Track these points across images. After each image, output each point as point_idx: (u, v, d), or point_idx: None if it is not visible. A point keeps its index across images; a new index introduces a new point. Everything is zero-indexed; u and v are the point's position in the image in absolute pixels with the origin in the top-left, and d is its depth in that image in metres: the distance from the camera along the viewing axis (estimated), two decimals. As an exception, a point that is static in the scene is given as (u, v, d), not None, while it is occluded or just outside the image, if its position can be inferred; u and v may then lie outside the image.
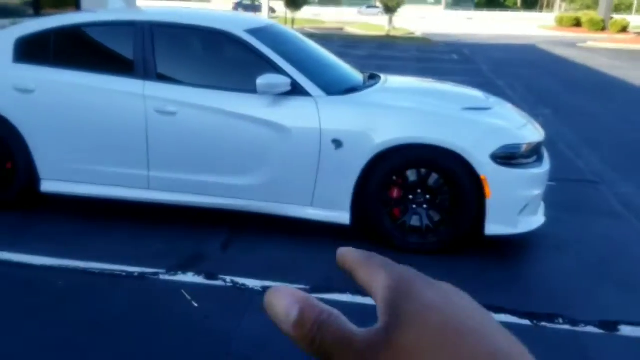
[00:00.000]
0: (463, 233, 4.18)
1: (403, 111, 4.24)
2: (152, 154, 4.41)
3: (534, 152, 4.19)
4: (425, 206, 4.21)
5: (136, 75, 4.44)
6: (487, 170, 4.00)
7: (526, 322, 3.39)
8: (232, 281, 3.74)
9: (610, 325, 3.38)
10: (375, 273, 0.39)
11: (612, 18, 39.62)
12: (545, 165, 4.25)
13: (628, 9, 69.99)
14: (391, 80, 5.14)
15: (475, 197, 4.06)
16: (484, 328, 0.34)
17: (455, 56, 20.21)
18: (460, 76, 12.63)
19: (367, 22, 40.98)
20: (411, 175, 4.18)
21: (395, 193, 4.23)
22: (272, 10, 30.67)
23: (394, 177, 4.19)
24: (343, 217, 4.25)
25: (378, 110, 4.22)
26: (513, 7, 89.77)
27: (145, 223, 4.61)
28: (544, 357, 2.23)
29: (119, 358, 2.98)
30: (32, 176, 4.64)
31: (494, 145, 4.01)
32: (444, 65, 16.85)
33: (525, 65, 17.51)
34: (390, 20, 31.52)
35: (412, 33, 32.09)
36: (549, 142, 4.50)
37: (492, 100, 5.01)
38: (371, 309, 0.38)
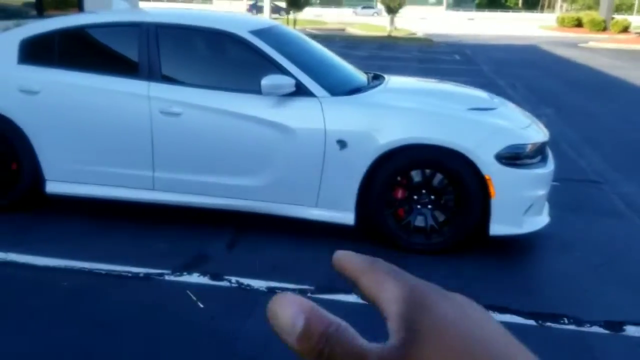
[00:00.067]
0: (468, 233, 4.18)
1: (407, 112, 4.25)
2: (157, 155, 4.42)
3: (538, 152, 4.19)
4: (429, 206, 4.22)
5: (141, 76, 4.45)
6: (492, 170, 4.00)
7: (531, 322, 3.40)
8: (237, 282, 3.74)
9: (616, 326, 3.38)
10: (382, 282, 0.36)
11: (613, 18, 39.63)
12: (550, 166, 4.26)
13: (629, 9, 69.99)
14: (395, 81, 5.15)
15: (480, 197, 4.06)
16: (499, 343, 0.33)
17: (456, 57, 20.22)
18: (462, 76, 12.63)
19: (369, 23, 40.99)
20: (416, 175, 4.18)
21: (399, 193, 4.23)
22: (286, 11, 30.57)
23: (399, 178, 4.19)
24: (347, 217, 4.26)
25: (382, 111, 4.22)
26: (514, 8, 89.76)
27: (150, 224, 4.62)
28: (549, 357, 2.23)
29: (125, 359, 2.99)
30: (37, 177, 4.65)
31: (499, 146, 4.02)
32: (445, 66, 16.86)
33: (526, 66, 17.51)
34: (392, 21, 31.53)
35: (414, 34, 32.09)
36: (551, 142, 4.50)
37: (497, 100, 5.01)
38: (378, 313, 0.36)
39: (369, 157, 4.11)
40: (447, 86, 5.51)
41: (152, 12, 5.02)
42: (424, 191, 4.20)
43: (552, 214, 4.41)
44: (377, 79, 5.10)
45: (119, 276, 3.79)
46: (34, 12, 9.77)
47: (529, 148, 4.12)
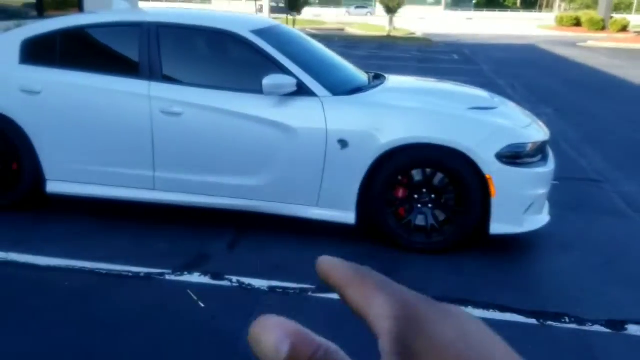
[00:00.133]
0: (468, 232, 4.19)
1: (408, 111, 4.25)
2: (158, 155, 4.42)
3: (539, 151, 4.20)
4: (430, 206, 4.22)
5: (142, 76, 4.45)
6: (493, 169, 4.01)
7: (532, 321, 3.40)
8: (238, 281, 3.75)
9: (617, 324, 3.38)
10: (371, 295, 0.33)
11: (612, 17, 39.63)
12: (550, 165, 4.26)
13: (628, 8, 70.03)
14: (396, 80, 5.15)
15: (481, 196, 4.07)
16: None
17: (455, 56, 20.23)
18: (461, 76, 12.63)
19: (368, 23, 41.00)
20: (416, 174, 4.19)
21: (400, 193, 4.24)
22: (297, 11, 30.48)
23: (400, 177, 4.19)
24: (349, 217, 4.26)
25: (383, 110, 4.23)
26: (512, 7, 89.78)
27: (151, 224, 4.62)
28: (550, 356, 2.24)
29: (126, 358, 2.99)
30: (38, 177, 4.65)
31: (500, 145, 4.02)
32: (445, 66, 16.86)
33: (525, 65, 17.52)
34: (391, 21, 31.54)
35: (413, 33, 32.10)
36: (551, 141, 4.51)
37: (497, 99, 5.02)
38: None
39: (370, 156, 4.11)
40: (448, 85, 5.51)
41: (153, 12, 5.02)
42: (424, 190, 4.20)
43: (552, 212, 4.42)
44: (377, 78, 5.11)
45: (119, 276, 3.79)
46: (35, 13, 9.77)
47: (529, 147, 4.12)
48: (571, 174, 6.10)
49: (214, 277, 3.79)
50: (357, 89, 4.55)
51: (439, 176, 4.17)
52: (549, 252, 4.38)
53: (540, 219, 4.24)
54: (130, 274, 3.81)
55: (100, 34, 4.72)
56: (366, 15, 58.98)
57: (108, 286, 3.67)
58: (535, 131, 4.34)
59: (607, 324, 3.39)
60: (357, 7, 63.27)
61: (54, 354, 3.00)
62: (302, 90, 4.24)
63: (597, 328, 3.35)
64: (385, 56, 19.14)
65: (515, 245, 4.40)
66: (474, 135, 4.09)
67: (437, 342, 0.30)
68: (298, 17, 30.81)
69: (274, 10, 31.01)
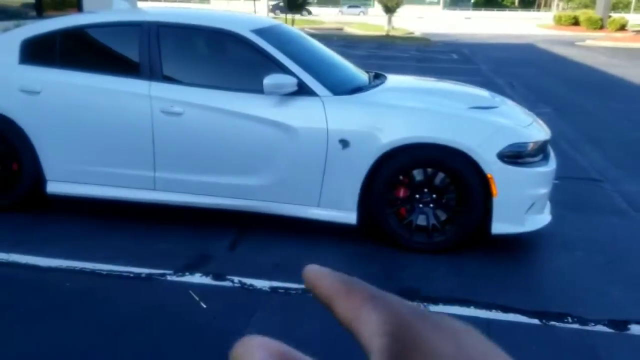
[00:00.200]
0: (469, 232, 4.18)
1: (409, 111, 4.24)
2: (158, 155, 4.41)
3: (540, 151, 4.19)
4: (431, 205, 4.21)
5: (142, 76, 4.43)
6: (494, 169, 4.00)
7: (535, 321, 3.39)
8: (239, 282, 3.74)
9: (620, 324, 3.38)
10: (362, 310, 0.31)
11: (610, 17, 39.64)
12: (552, 164, 4.26)
13: (626, 7, 70.05)
14: (396, 80, 5.15)
15: (482, 196, 4.06)
16: None
17: (454, 56, 20.22)
18: (460, 75, 12.63)
19: (367, 22, 40.98)
20: (418, 174, 4.18)
21: (401, 192, 4.23)
22: (307, 12, 30.44)
23: (401, 177, 4.19)
24: (350, 217, 4.25)
25: (384, 110, 4.22)
26: (510, 7, 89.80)
27: (151, 224, 4.61)
28: (553, 356, 2.23)
29: (127, 359, 2.98)
30: (38, 177, 4.64)
31: (501, 144, 4.02)
32: (444, 65, 16.86)
33: (524, 64, 17.53)
34: (390, 20, 31.51)
35: (412, 33, 32.09)
36: (551, 140, 4.50)
37: (497, 99, 5.01)
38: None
39: (371, 156, 4.10)
40: (448, 85, 5.50)
41: (153, 12, 5.00)
42: (425, 190, 4.20)
43: (553, 212, 4.41)
44: (378, 78, 5.10)
45: (120, 277, 3.78)
46: (34, 13, 9.75)
47: (530, 146, 4.12)
48: (571, 173, 6.10)
49: (215, 278, 3.78)
50: (358, 89, 4.55)
51: (440, 176, 4.16)
52: (551, 252, 4.38)
53: (542, 219, 4.23)
54: (132, 275, 3.80)
55: (100, 33, 4.71)
56: (359, 14, 58.88)
57: (109, 287, 3.66)
58: (537, 130, 4.33)
59: (610, 324, 3.38)
60: (350, 7, 63.18)
61: (55, 355, 2.98)
62: (302, 90, 4.23)
63: (600, 328, 3.34)
64: (384, 56, 19.14)
65: (517, 245, 4.39)
66: (475, 134, 4.08)
67: (434, 358, 0.28)
68: (297, 17, 30.78)
69: (283, 10, 30.99)
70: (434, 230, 4.22)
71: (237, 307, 3.46)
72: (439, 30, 36.40)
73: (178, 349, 3.05)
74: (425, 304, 3.55)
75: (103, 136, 4.48)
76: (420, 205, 4.23)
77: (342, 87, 4.44)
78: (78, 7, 10.48)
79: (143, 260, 3.99)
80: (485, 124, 4.18)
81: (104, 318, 3.30)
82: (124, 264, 3.92)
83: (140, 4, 14.13)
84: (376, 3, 36.60)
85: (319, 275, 0.34)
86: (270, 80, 4.15)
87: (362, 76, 5.06)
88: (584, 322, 3.39)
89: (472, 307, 3.54)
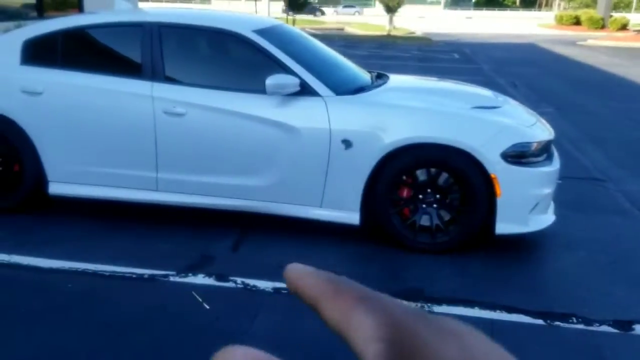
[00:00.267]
0: (473, 232, 4.16)
1: (412, 111, 4.23)
2: (161, 156, 4.40)
3: (544, 151, 4.17)
4: (435, 206, 4.20)
5: (144, 77, 4.42)
6: (498, 169, 3.98)
7: (539, 321, 3.38)
8: (242, 282, 3.72)
9: (625, 325, 3.36)
10: (353, 313, 0.28)
11: (611, 16, 39.60)
12: (556, 164, 4.24)
13: (627, 6, 69.99)
14: (399, 80, 5.13)
15: (486, 196, 4.04)
16: None
17: (456, 55, 20.20)
18: (462, 75, 12.60)
19: (367, 22, 40.97)
20: (421, 174, 4.16)
21: (405, 193, 4.22)
22: (321, 12, 30.46)
23: (404, 177, 4.17)
24: (353, 217, 4.24)
25: (387, 110, 4.20)
26: (512, 6, 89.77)
27: (154, 225, 4.59)
28: (558, 357, 2.21)
29: (132, 361, 2.97)
30: (40, 179, 4.63)
31: (505, 144, 4.00)
32: (445, 65, 16.85)
33: (526, 64, 17.51)
34: (391, 20, 31.51)
35: (413, 32, 32.08)
36: (554, 140, 4.48)
37: (501, 98, 5.00)
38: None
39: (374, 156, 4.09)
40: (451, 84, 5.49)
41: (155, 12, 4.99)
42: (429, 190, 4.18)
43: (556, 212, 4.40)
44: (380, 78, 5.08)
45: (123, 277, 3.77)
46: (34, 14, 9.75)
47: (534, 146, 4.10)
48: (574, 173, 6.08)
49: (218, 279, 3.77)
50: (360, 89, 4.53)
51: (443, 176, 4.14)
52: (555, 252, 4.36)
53: (546, 219, 4.22)
54: (134, 276, 3.79)
55: (102, 34, 4.70)
56: (354, 14, 58.83)
57: (111, 288, 3.65)
58: (540, 130, 4.32)
59: (615, 324, 3.37)
60: (345, 7, 63.19)
61: (56, 356, 2.97)
62: (305, 90, 4.22)
63: (605, 328, 3.33)
64: (385, 55, 19.12)
65: (521, 245, 4.37)
66: (479, 134, 4.06)
67: None
68: (298, 17, 30.78)
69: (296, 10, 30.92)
70: (438, 231, 4.21)
71: (240, 307, 3.45)
72: (440, 29, 36.38)
73: (181, 350, 3.04)
74: (428, 304, 3.54)
75: (105, 137, 4.47)
76: (424, 206, 4.21)
77: (345, 87, 4.43)
78: (79, 8, 10.47)
79: (145, 261, 3.98)
80: (488, 124, 4.17)
81: (106, 319, 3.29)
82: (126, 265, 3.91)
83: (141, 5, 14.13)
84: (377, 3, 36.58)
85: (303, 275, 0.32)
86: (273, 80, 4.14)
87: (365, 76, 5.05)
88: (588, 322, 3.37)
89: (476, 307, 3.52)
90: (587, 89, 12.65)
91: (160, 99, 4.34)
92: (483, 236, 4.21)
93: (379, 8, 35.60)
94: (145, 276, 3.79)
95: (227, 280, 3.75)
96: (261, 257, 4.10)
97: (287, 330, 3.19)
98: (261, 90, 4.18)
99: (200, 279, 3.76)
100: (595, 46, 25.99)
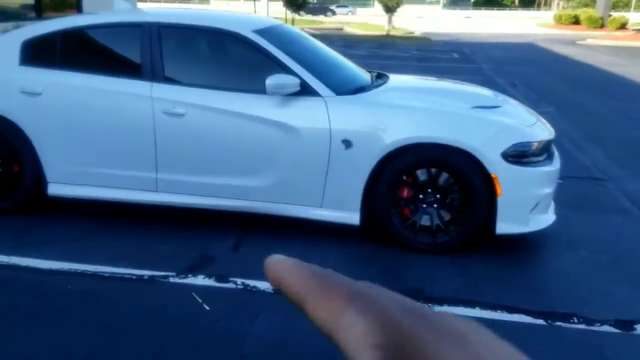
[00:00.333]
0: (474, 232, 4.16)
1: (413, 110, 4.22)
2: (160, 156, 4.39)
3: (544, 150, 4.17)
4: (435, 205, 4.19)
5: (143, 77, 4.41)
6: (498, 168, 3.98)
7: (541, 321, 3.37)
8: (243, 283, 3.71)
9: (626, 324, 3.35)
10: (344, 313, 0.25)
11: (610, 15, 39.60)
12: (556, 163, 4.23)
13: (626, 5, 69.96)
14: (399, 80, 5.12)
15: (486, 196, 4.03)
16: None
17: (455, 55, 20.20)
18: (461, 75, 12.60)
19: (366, 22, 40.95)
20: (421, 174, 4.15)
21: (405, 193, 4.21)
22: (332, 12, 30.46)
23: (404, 177, 4.16)
24: (353, 217, 4.23)
25: (388, 110, 4.19)
26: (510, 6, 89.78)
27: (153, 226, 4.58)
28: (560, 357, 2.20)
29: (132, 362, 2.96)
30: (39, 179, 4.62)
31: (505, 144, 3.99)
32: (444, 64, 16.84)
33: (525, 64, 17.50)
34: (390, 20, 31.49)
35: (412, 32, 32.07)
36: (554, 139, 4.47)
37: (501, 98, 4.99)
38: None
39: (375, 156, 4.08)
40: (451, 84, 5.47)
41: (154, 12, 4.97)
42: (429, 190, 4.17)
43: (557, 211, 4.39)
44: (380, 77, 5.07)
45: (122, 279, 3.76)
46: (33, 14, 9.73)
47: (535, 146, 4.09)
48: (574, 173, 6.08)
49: (218, 279, 3.76)
50: (361, 89, 4.52)
51: (444, 176, 4.13)
52: (555, 252, 4.35)
53: (546, 218, 4.21)
54: (134, 277, 3.78)
55: (101, 34, 4.68)
56: (347, 14, 58.82)
57: (111, 289, 3.64)
58: (541, 130, 4.31)
59: (616, 324, 3.36)
60: (338, 6, 63.21)
61: (56, 358, 2.96)
62: (305, 90, 4.21)
63: (606, 328, 3.32)
64: (384, 55, 19.12)
65: (522, 245, 4.37)
66: (479, 134, 4.05)
67: None
68: (297, 17, 30.77)
69: (308, 10, 30.83)
70: (438, 231, 4.20)
71: (240, 308, 3.44)
72: (439, 29, 36.38)
73: (181, 351, 3.02)
74: (429, 304, 3.53)
75: (104, 138, 4.45)
76: (424, 206, 4.20)
77: (345, 87, 4.42)
78: (78, 8, 10.46)
79: (145, 262, 3.97)
80: (489, 124, 4.16)
81: (106, 320, 3.28)
82: (126, 266, 3.90)
83: (140, 5, 14.12)
84: (376, 3, 36.56)
85: (286, 268, 0.29)
86: (273, 80, 4.13)
87: (365, 76, 5.04)
88: (589, 322, 3.37)
89: (477, 307, 3.51)
90: (586, 89, 12.64)
91: (159, 100, 4.32)
92: (483, 236, 4.20)
93: (378, 8, 35.57)
94: (145, 277, 3.78)
95: (228, 281, 3.74)
96: (261, 257, 3.98)
97: (287, 331, 3.18)
98: (261, 90, 4.17)
99: (200, 280, 3.75)
100: (594, 45, 25.99)
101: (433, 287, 3.74)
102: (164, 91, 4.35)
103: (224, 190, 4.36)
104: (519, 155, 4.02)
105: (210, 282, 3.73)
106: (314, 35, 5.96)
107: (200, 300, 3.50)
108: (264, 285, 3.67)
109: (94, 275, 3.80)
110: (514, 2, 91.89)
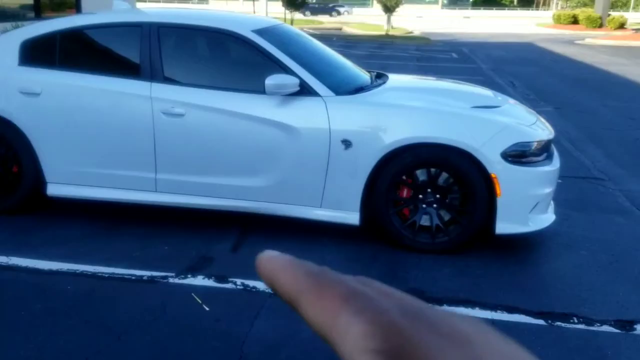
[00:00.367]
0: (473, 232, 4.15)
1: (412, 110, 4.21)
2: (160, 156, 4.38)
3: (544, 150, 4.16)
4: (435, 205, 4.19)
5: (143, 77, 4.41)
6: (498, 168, 3.97)
7: (541, 322, 3.37)
8: (242, 284, 3.71)
9: (626, 325, 3.35)
10: (340, 315, 0.24)
11: (609, 15, 39.61)
12: (556, 163, 4.23)
13: (625, 5, 70.03)
14: (398, 79, 5.12)
15: (486, 196, 4.03)
16: None
17: (454, 55, 20.19)
18: (460, 75, 12.60)
19: (366, 22, 40.94)
20: (421, 174, 4.15)
21: (405, 193, 4.21)
22: (337, 12, 30.44)
23: (404, 177, 4.16)
24: (353, 217, 4.23)
25: (387, 110, 4.19)
26: (509, 6, 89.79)
27: (153, 226, 4.58)
28: (560, 357, 2.19)
29: (132, 363, 2.95)
30: (38, 180, 4.61)
31: (505, 144, 3.99)
32: (444, 64, 16.83)
33: (524, 63, 17.50)
34: (389, 20, 31.47)
35: (411, 32, 32.06)
36: (554, 139, 4.47)
37: (500, 97, 4.99)
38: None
39: (374, 156, 4.07)
40: (450, 84, 5.47)
41: (154, 13, 4.97)
42: (429, 190, 4.17)
43: (557, 211, 4.39)
44: (380, 77, 5.07)
45: (122, 279, 3.76)
46: (32, 14, 9.72)
47: (534, 146, 4.09)
48: (574, 173, 6.08)
49: (218, 280, 3.76)
50: (360, 89, 4.52)
51: (443, 176, 4.13)
52: (555, 252, 4.35)
53: (546, 218, 4.21)
54: (133, 277, 3.77)
55: (101, 34, 4.68)
56: (342, 14, 58.89)
57: (111, 290, 3.63)
58: (540, 129, 4.31)
59: (616, 324, 3.36)
60: (336, 6, 63.25)
61: (56, 358, 2.96)
62: (304, 90, 4.20)
63: (606, 328, 3.32)
64: (384, 55, 19.12)
65: (521, 245, 4.36)
66: (479, 134, 4.05)
67: None
68: (296, 17, 30.76)
69: (314, 11, 30.75)
70: (438, 231, 4.19)
71: (240, 309, 3.43)
72: (438, 29, 36.38)
73: (181, 352, 3.02)
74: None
75: (104, 138, 4.45)
76: (424, 206, 4.20)
77: (344, 87, 4.41)
78: (76, 8, 10.45)
79: (145, 262, 3.96)
80: (488, 124, 4.15)
81: (106, 321, 3.28)
82: (126, 267, 3.89)
83: (139, 5, 14.11)
84: (375, 2, 36.54)
85: (279, 265, 0.28)
86: (272, 80, 4.12)
87: (364, 76, 5.03)
88: (589, 322, 3.36)
89: (476, 307, 3.51)
90: (586, 88, 12.64)
91: (159, 100, 4.32)
92: (483, 236, 4.20)
93: (377, 8, 35.55)
94: (145, 278, 3.77)
95: (227, 282, 3.74)
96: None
97: (287, 332, 3.18)
98: (261, 90, 4.17)
99: (199, 281, 3.75)
100: (593, 45, 26.00)
101: (433, 287, 3.74)
102: (163, 91, 4.34)
103: (223, 191, 4.35)
104: (518, 155, 4.02)
105: (210, 282, 3.73)
106: (313, 35, 5.96)
107: (200, 301, 3.49)
108: (263, 286, 3.67)
109: (94, 275, 3.79)
110: (512, 2, 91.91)
